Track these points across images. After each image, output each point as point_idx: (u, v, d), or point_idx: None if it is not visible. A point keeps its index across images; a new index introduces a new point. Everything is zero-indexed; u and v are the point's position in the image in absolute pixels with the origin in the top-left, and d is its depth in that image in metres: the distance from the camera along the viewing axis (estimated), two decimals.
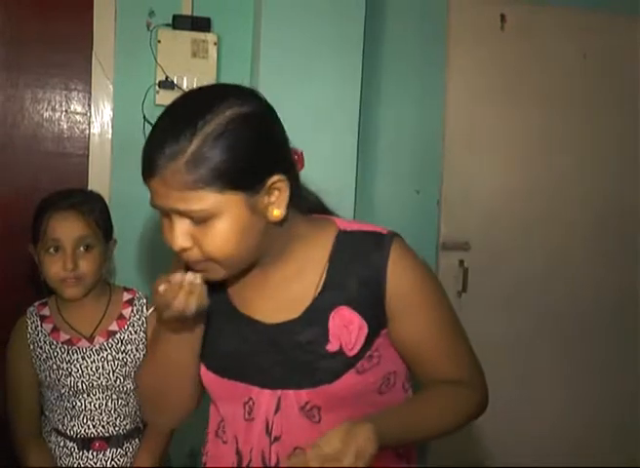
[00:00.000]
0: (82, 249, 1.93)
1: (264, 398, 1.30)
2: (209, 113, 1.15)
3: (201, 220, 1.16)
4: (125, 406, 1.98)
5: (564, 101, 3.28)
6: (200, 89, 1.25)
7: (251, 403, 1.31)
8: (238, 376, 1.32)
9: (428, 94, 3.17)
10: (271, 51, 2.67)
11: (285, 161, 1.24)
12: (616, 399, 3.44)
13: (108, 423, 1.98)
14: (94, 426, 1.97)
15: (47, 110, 2.79)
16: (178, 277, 1.19)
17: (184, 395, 1.40)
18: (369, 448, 1.11)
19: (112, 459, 1.99)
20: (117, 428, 1.98)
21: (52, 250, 1.92)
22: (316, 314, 1.28)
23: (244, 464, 1.33)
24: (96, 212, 1.97)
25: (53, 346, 1.97)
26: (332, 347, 1.27)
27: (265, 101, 1.24)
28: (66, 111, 2.80)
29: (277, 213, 1.20)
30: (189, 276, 1.19)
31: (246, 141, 1.16)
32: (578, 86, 3.29)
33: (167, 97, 2.72)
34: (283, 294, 1.32)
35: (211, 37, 2.77)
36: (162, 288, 1.19)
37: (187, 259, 1.22)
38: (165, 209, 1.18)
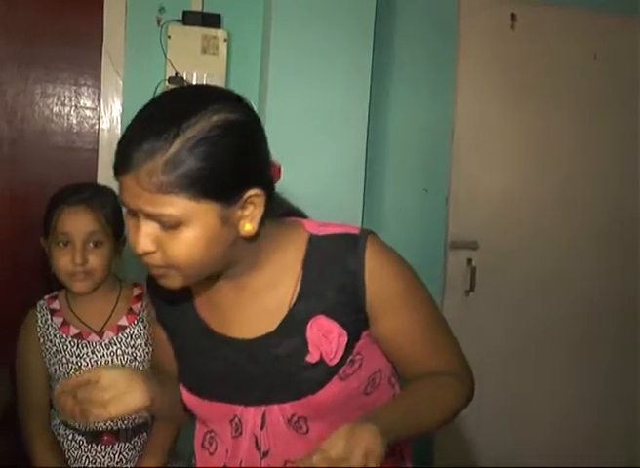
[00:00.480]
0: (91, 244, 1.93)
1: (249, 415, 1.28)
2: (194, 116, 1.10)
3: (169, 226, 1.11)
4: None
5: (573, 102, 3.28)
6: (189, 87, 1.24)
7: (237, 420, 1.29)
8: (220, 397, 1.29)
9: (437, 93, 3.16)
10: (281, 48, 2.67)
11: (264, 175, 1.19)
12: (621, 401, 3.44)
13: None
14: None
15: (56, 105, 2.79)
16: (70, 384, 1.21)
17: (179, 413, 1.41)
18: (377, 448, 1.07)
19: (120, 453, 2.00)
20: (126, 422, 1.98)
21: (62, 243, 1.93)
22: (293, 325, 1.25)
23: None
24: (106, 207, 1.96)
25: (63, 340, 1.98)
26: (312, 358, 1.23)
27: (253, 111, 1.20)
28: (76, 106, 2.80)
29: (249, 227, 1.16)
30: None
31: (228, 151, 1.12)
32: (587, 87, 3.29)
33: None
34: (257, 307, 1.28)
35: (221, 33, 2.76)
36: (57, 391, 1.21)
37: (148, 263, 1.17)
38: (133, 208, 1.13)
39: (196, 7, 2.78)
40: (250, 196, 1.14)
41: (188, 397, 1.32)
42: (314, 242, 1.27)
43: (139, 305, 2.02)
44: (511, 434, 3.28)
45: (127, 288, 2.05)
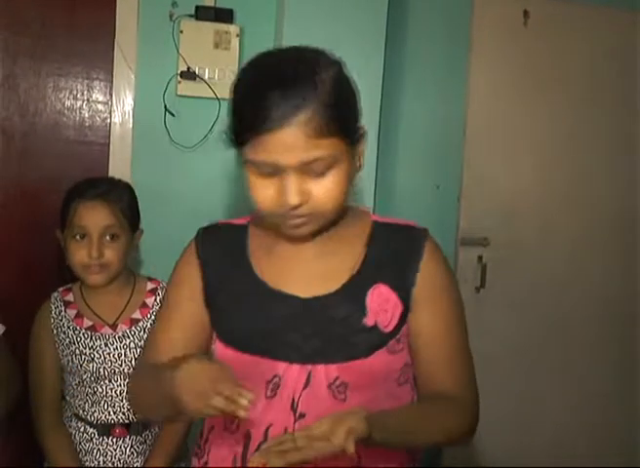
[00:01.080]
0: (108, 238, 1.97)
1: (293, 373, 1.29)
2: (324, 67, 1.20)
3: (323, 171, 1.19)
4: None
5: (586, 99, 3.28)
6: (296, 48, 1.28)
7: (276, 379, 1.30)
8: (264, 352, 1.31)
9: (450, 90, 3.17)
10: (294, 43, 2.62)
11: (361, 116, 1.30)
12: (631, 401, 3.44)
13: (129, 410, 1.99)
14: (114, 412, 2.00)
15: (69, 99, 2.80)
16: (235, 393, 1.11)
17: None
18: (360, 429, 1.11)
19: (132, 446, 2.02)
20: (137, 415, 1.97)
21: (78, 236, 1.97)
22: (355, 290, 1.31)
23: (252, 446, 1.31)
24: (122, 201, 2.01)
25: (76, 332, 2.00)
26: (369, 321, 1.29)
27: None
28: (88, 100, 2.81)
29: (361, 162, 1.28)
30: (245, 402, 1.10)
31: (350, 91, 1.25)
32: (600, 83, 3.29)
33: (188, 88, 2.78)
34: (320, 268, 1.34)
35: (233, 29, 2.77)
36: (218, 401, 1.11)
37: (293, 215, 1.22)
38: (284, 165, 1.18)
39: (209, 2, 2.78)
40: (361, 132, 1.27)
41: (225, 352, 1.33)
42: (378, 226, 1.38)
43: (152, 299, 2.05)
44: (520, 430, 3.29)
45: (141, 281, 2.08)
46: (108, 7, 2.74)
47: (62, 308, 2.06)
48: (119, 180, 2.14)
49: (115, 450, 2.01)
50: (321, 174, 1.19)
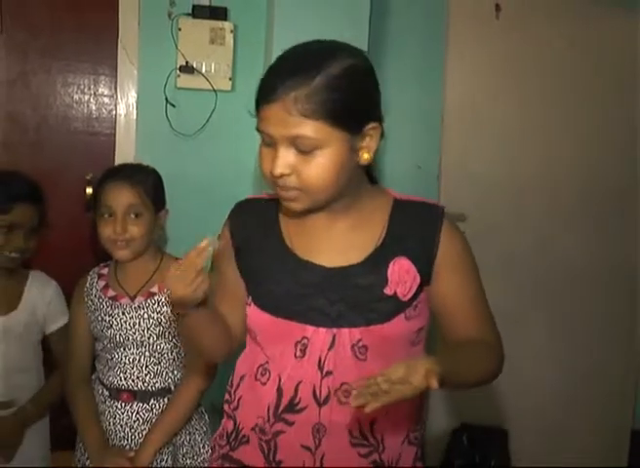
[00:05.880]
0: (132, 215, 2.04)
1: (320, 336, 1.36)
2: (331, 59, 1.26)
3: (307, 149, 1.25)
4: (157, 364, 2.08)
5: (555, 86, 3.30)
6: (320, 41, 1.34)
7: (305, 341, 1.37)
8: (294, 316, 1.37)
9: (429, 79, 3.21)
10: (283, 38, 2.67)
11: (379, 112, 1.35)
12: (606, 369, 3.45)
13: (138, 378, 2.07)
14: (124, 378, 2.08)
15: (77, 93, 2.90)
16: (191, 256, 1.24)
17: (223, 342, 1.48)
18: (436, 370, 1.14)
19: (138, 413, 2.09)
20: (146, 384, 2.08)
21: (106, 215, 2.05)
22: (377, 261, 1.37)
23: (284, 400, 1.39)
24: (145, 183, 2.08)
25: (101, 300, 2.10)
26: (389, 290, 1.35)
27: (369, 61, 1.36)
28: (94, 94, 2.91)
29: (367, 156, 1.31)
30: (203, 242, 1.24)
31: (357, 88, 1.28)
32: (566, 70, 3.30)
33: (187, 81, 2.83)
34: (346, 241, 1.40)
35: (228, 25, 2.84)
36: (174, 270, 1.25)
37: (282, 185, 1.29)
38: (275, 135, 1.26)
39: (204, 1, 2.86)
40: (370, 128, 1.31)
41: (260, 315, 1.40)
42: (398, 203, 1.42)
43: None
44: (503, 397, 3.31)
45: (168, 260, 2.12)
46: (111, 8, 2.83)
47: (96, 280, 2.16)
48: (145, 166, 2.20)
49: (122, 414, 2.09)
50: (307, 152, 1.25)
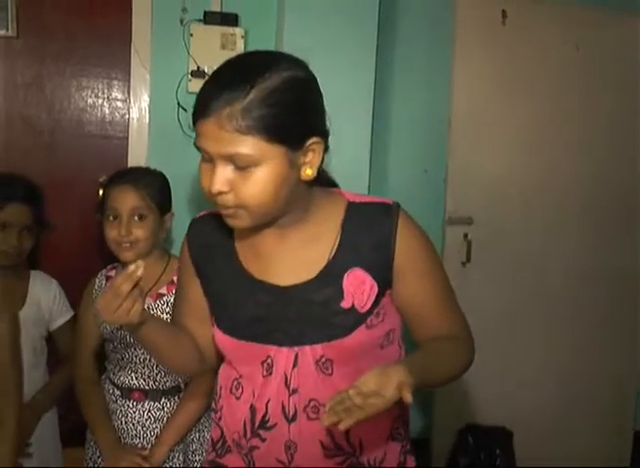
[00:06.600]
0: (136, 218, 2.06)
1: (283, 355, 1.34)
2: (267, 72, 1.19)
3: (244, 166, 1.19)
4: None
5: (560, 90, 3.33)
6: (257, 52, 1.29)
7: (269, 361, 1.35)
8: (256, 338, 1.35)
9: (436, 84, 3.23)
10: (293, 44, 2.65)
11: (322, 126, 1.29)
12: (610, 371, 3.47)
13: (149, 377, 2.10)
14: (136, 378, 2.11)
15: (90, 97, 2.91)
16: (118, 282, 1.22)
17: (190, 358, 1.48)
18: (407, 381, 1.12)
19: (149, 411, 2.11)
20: (157, 383, 2.10)
21: (111, 217, 2.07)
22: (331, 275, 1.32)
23: (258, 417, 1.39)
24: (150, 187, 2.10)
25: None
26: (346, 304, 1.31)
27: (311, 71, 1.28)
28: (108, 98, 2.92)
29: (309, 172, 1.25)
30: (131, 267, 1.21)
31: (296, 102, 1.21)
32: (571, 75, 3.33)
33: (198, 86, 2.63)
34: (298, 257, 1.35)
35: (238, 31, 2.86)
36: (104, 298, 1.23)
37: (220, 203, 1.24)
38: (211, 152, 1.20)
39: (215, 7, 2.89)
40: (312, 143, 1.24)
41: (224, 338, 1.38)
42: (352, 207, 1.36)
43: None
44: (504, 400, 3.33)
45: (174, 262, 2.09)
46: (125, 14, 2.85)
47: (104, 281, 2.18)
48: (152, 170, 2.23)
49: (134, 413, 2.11)
50: (244, 169, 1.19)
